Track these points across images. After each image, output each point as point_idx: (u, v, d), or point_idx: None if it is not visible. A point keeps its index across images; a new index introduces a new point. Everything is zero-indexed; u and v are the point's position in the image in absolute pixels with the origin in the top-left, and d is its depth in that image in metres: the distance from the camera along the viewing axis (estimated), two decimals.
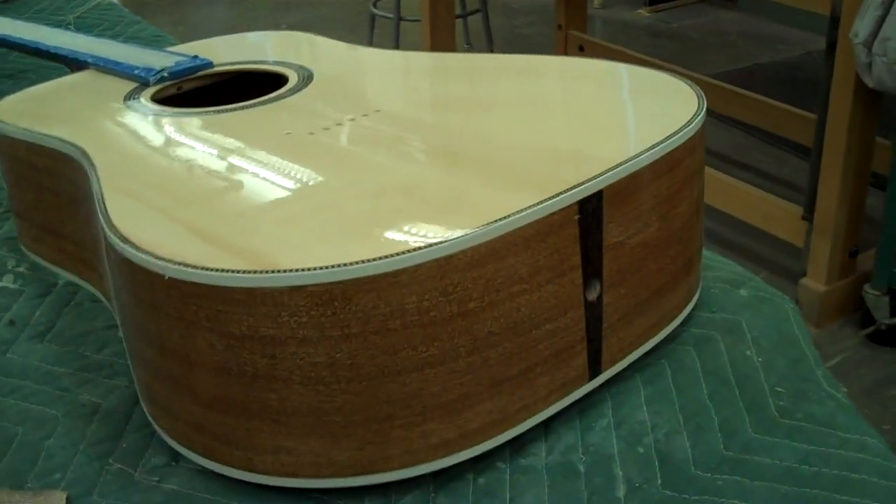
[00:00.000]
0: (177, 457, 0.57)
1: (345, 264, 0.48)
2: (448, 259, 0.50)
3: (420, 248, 0.49)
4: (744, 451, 0.57)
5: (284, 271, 0.48)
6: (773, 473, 0.55)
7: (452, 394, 0.53)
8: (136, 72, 0.80)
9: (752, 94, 2.54)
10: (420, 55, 0.80)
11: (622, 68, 0.72)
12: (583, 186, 0.54)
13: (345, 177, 0.58)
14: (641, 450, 0.57)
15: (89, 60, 0.85)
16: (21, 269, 0.76)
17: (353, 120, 0.67)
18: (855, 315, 2.08)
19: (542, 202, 0.53)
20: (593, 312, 0.57)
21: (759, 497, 0.53)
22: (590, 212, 0.55)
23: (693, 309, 0.67)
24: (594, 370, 0.59)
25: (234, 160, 0.62)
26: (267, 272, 0.49)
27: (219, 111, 0.71)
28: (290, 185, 0.57)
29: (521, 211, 0.52)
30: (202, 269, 0.49)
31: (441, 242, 0.50)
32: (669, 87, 0.68)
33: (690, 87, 0.67)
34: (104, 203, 0.58)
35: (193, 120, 0.70)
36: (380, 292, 0.49)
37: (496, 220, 0.51)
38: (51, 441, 0.59)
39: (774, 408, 0.59)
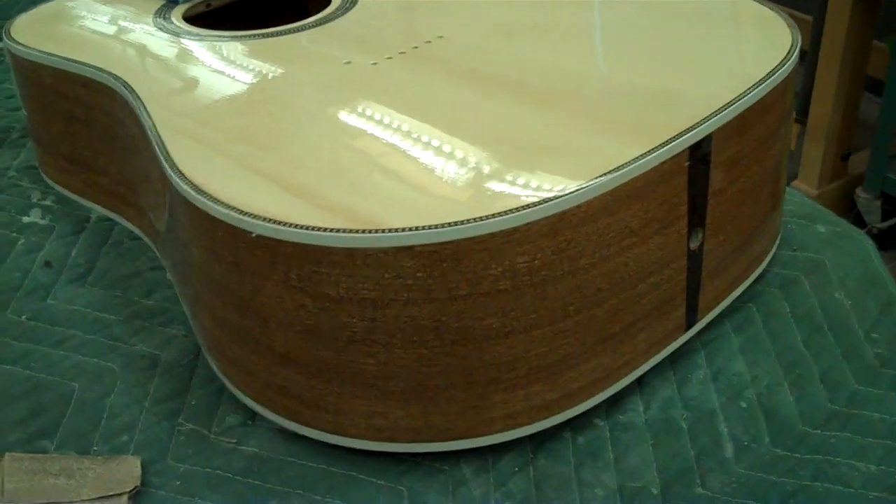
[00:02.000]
0: (253, 416, 0.53)
1: (456, 223, 0.44)
2: (562, 215, 0.46)
3: (534, 204, 0.45)
4: (850, 404, 0.54)
5: (390, 231, 0.44)
6: (884, 429, 0.52)
7: (558, 354, 0.49)
8: None
9: None
10: None
11: None
12: (694, 132, 0.50)
13: (433, 119, 0.53)
14: (744, 404, 0.54)
15: None
16: (48, 203, 0.71)
17: (416, 48, 0.62)
18: (846, 218, 2.08)
19: (653, 150, 0.49)
20: (694, 262, 0.54)
21: (874, 455, 0.51)
22: (699, 158, 0.51)
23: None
24: (690, 321, 0.56)
25: (303, 97, 0.57)
26: (371, 232, 0.44)
27: (264, 35, 0.66)
28: (376, 128, 0.53)
29: (634, 161, 0.48)
30: (297, 227, 0.45)
31: (555, 198, 0.46)
32: (757, 15, 0.63)
33: (780, 15, 0.62)
34: (165, 147, 0.53)
35: (240, 46, 0.64)
36: (491, 252, 0.45)
37: (609, 172, 0.47)
38: (112, 398, 0.55)
39: (874, 356, 0.57)
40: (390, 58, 0.61)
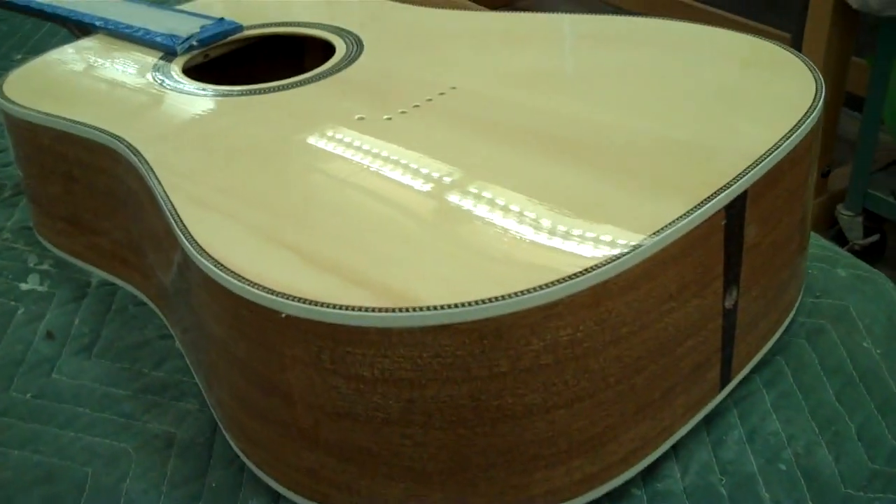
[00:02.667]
0: (278, 498, 0.51)
1: (498, 298, 0.42)
2: (604, 285, 0.44)
3: (576, 274, 0.43)
4: (890, 462, 0.53)
5: (429, 308, 0.42)
6: None
7: (599, 426, 0.47)
8: (159, 39, 0.72)
9: (720, 12, 2.48)
10: (479, 15, 0.73)
11: (720, 35, 0.66)
12: (731, 188, 0.49)
13: (460, 181, 0.51)
14: (783, 466, 0.52)
15: (97, 24, 0.76)
16: (46, 267, 0.68)
17: (430, 101, 0.60)
18: (827, 235, 2.08)
19: (692, 210, 0.47)
20: (729, 320, 0.52)
21: None
22: (734, 215, 0.50)
23: None
24: (724, 380, 0.54)
25: (320, 158, 0.55)
26: (408, 310, 0.42)
27: (271, 89, 0.64)
28: (401, 192, 0.51)
29: (674, 223, 0.46)
30: (331, 306, 0.43)
31: (598, 266, 0.44)
32: (776, 58, 0.62)
33: (799, 58, 0.61)
34: (179, 216, 0.50)
35: (247, 102, 0.62)
36: (534, 326, 0.43)
37: (650, 236, 0.45)
38: (128, 483, 0.52)
39: None
40: (404, 112, 0.59)
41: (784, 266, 0.57)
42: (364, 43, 0.70)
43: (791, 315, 0.60)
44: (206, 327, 0.51)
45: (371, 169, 0.53)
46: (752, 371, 0.58)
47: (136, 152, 0.57)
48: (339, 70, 0.66)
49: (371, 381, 0.44)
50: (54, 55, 0.72)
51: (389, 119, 0.58)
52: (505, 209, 0.48)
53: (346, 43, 0.70)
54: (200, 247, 0.48)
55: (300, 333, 0.44)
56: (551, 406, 0.46)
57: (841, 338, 0.61)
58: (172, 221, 0.50)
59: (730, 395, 0.56)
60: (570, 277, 0.43)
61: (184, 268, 0.52)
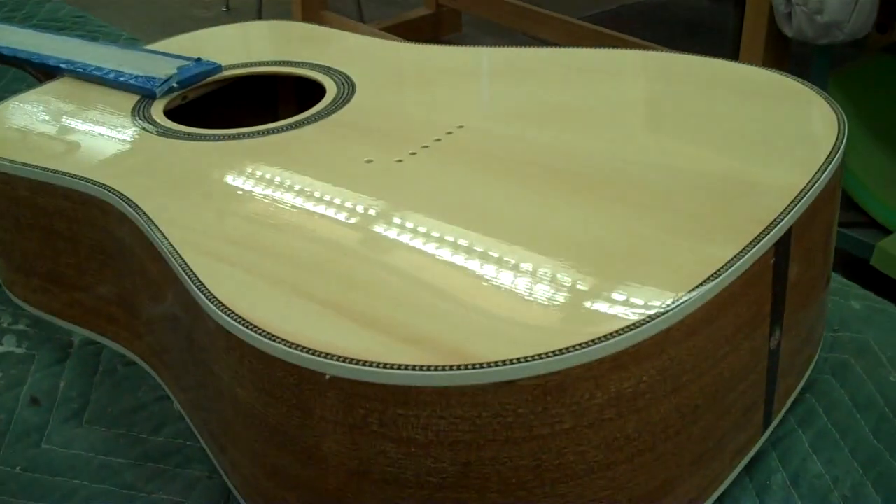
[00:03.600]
0: None
1: (562, 351, 0.40)
2: (667, 332, 0.42)
3: (640, 322, 0.41)
4: None
5: (492, 364, 0.39)
6: None
7: (657, 480, 0.45)
8: (134, 81, 0.67)
9: (648, 43, 2.51)
10: (470, 50, 0.71)
11: (732, 68, 0.64)
12: (779, 225, 0.47)
13: (492, 226, 0.48)
14: None
15: (63, 67, 0.71)
16: (22, 327, 0.64)
17: (438, 141, 0.57)
18: None
19: (746, 249, 0.45)
20: (773, 361, 0.50)
21: None
22: (782, 253, 0.48)
23: None
24: (766, 422, 0.52)
25: (334, 206, 0.51)
26: (469, 367, 0.39)
27: (266, 132, 0.60)
28: (432, 241, 0.48)
29: (731, 263, 0.44)
30: (381, 365, 0.40)
31: (662, 313, 0.41)
32: (792, 92, 0.60)
33: (813, 90, 0.60)
34: (193, 272, 0.47)
35: (244, 146, 0.59)
36: (598, 379, 0.41)
37: (709, 279, 0.43)
38: None
39: None
40: (414, 153, 0.56)
41: (815, 302, 0.55)
42: (355, 82, 0.67)
43: (819, 351, 0.59)
44: (223, 389, 0.47)
45: (391, 217, 0.50)
46: (787, 411, 0.56)
47: (132, 203, 0.53)
48: (333, 111, 0.63)
49: (424, 444, 0.41)
50: (18, 101, 0.67)
51: (400, 161, 0.55)
52: (548, 256, 0.46)
53: (335, 82, 0.67)
54: (223, 304, 0.44)
55: (344, 396, 0.41)
56: (612, 462, 0.43)
57: (867, 372, 0.59)
58: (186, 278, 0.47)
59: (768, 437, 0.54)
60: (634, 326, 0.41)
61: (195, 326, 0.48)
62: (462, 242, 0.47)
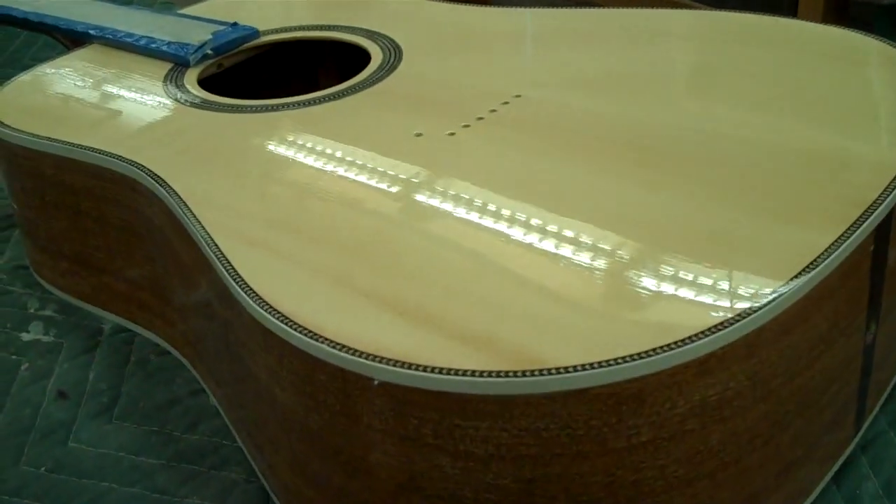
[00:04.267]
0: None
1: (643, 355, 0.35)
2: (758, 332, 0.37)
3: (729, 322, 0.36)
4: None
5: (561, 371, 0.35)
6: None
7: (743, 494, 0.40)
8: (166, 48, 0.63)
9: (703, 6, 2.42)
10: (516, 12, 0.65)
11: (813, 29, 0.59)
12: (880, 207, 0.42)
13: (557, 206, 0.44)
14: None
15: (92, 33, 0.67)
16: (49, 313, 0.60)
17: (494, 112, 0.53)
18: None
19: (845, 235, 0.40)
20: (868, 357, 0.45)
21: None
22: (881, 238, 0.43)
23: None
24: (858, 425, 0.47)
25: (382, 184, 0.47)
26: (535, 373, 0.35)
27: (308, 102, 0.56)
28: (490, 223, 0.43)
29: (827, 252, 0.39)
30: (436, 370, 0.35)
31: (753, 311, 0.36)
32: (871, 50, 0.55)
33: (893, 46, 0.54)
34: (228, 261, 0.42)
35: (283, 118, 0.54)
36: (680, 386, 0.36)
37: (804, 271, 0.38)
38: None
39: None
40: (467, 125, 0.51)
41: None
42: (402, 47, 0.62)
43: None
44: (261, 389, 0.43)
45: (445, 196, 0.45)
46: (878, 411, 0.51)
47: (162, 182, 0.49)
48: (379, 79, 0.58)
49: (484, 459, 0.36)
50: (47, 69, 0.63)
51: (453, 134, 0.51)
52: (624, 244, 0.41)
53: (381, 48, 0.62)
54: (260, 297, 0.40)
55: (395, 403, 0.36)
56: (694, 477, 0.38)
57: None
58: (220, 266, 0.42)
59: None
60: (723, 325, 0.36)
61: (230, 318, 0.44)
62: (525, 227, 0.42)
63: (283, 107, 0.55)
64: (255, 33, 0.66)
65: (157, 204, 0.50)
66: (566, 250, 0.40)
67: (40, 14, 0.71)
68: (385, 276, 0.40)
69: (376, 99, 0.56)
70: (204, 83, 0.62)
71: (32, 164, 0.56)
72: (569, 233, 0.41)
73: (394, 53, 0.61)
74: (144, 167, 0.50)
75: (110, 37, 0.66)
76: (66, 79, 0.62)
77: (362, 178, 0.47)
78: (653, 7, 0.63)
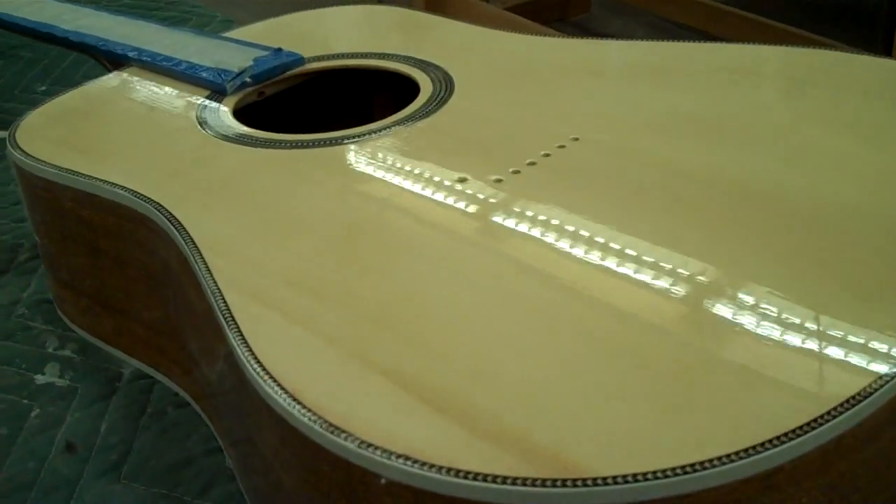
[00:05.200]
0: None
1: (695, 467, 0.29)
2: (838, 440, 0.31)
3: (801, 429, 0.30)
4: None
5: (601, 482, 0.29)
6: None
7: None
8: (205, 74, 0.59)
9: (793, 29, 2.33)
10: (584, 43, 0.60)
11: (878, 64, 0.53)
12: None
13: (609, 275, 0.38)
14: None
15: (131, 55, 0.64)
16: (68, 353, 0.56)
17: (548, 156, 0.47)
18: None
19: None
20: None
21: None
22: None
23: None
24: None
25: (418, 238, 0.42)
26: (567, 483, 0.29)
27: (344, 139, 0.51)
28: (524, 292, 0.38)
29: None
30: (451, 472, 0.30)
31: (829, 416, 0.31)
32: None
33: None
34: (234, 320, 0.38)
35: (317, 156, 0.50)
36: None
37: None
38: None
39: None
40: (517, 171, 0.46)
41: None
42: (454, 79, 0.57)
43: None
44: (267, 466, 0.38)
45: (486, 255, 0.40)
46: None
47: (179, 225, 0.45)
48: (426, 114, 0.53)
49: None
50: (77, 95, 0.59)
51: (499, 181, 0.45)
52: (686, 324, 0.35)
53: (431, 79, 0.57)
54: (266, 369, 0.35)
55: None
56: None
57: None
58: (226, 328, 0.38)
59: None
60: (793, 434, 0.30)
61: (237, 385, 0.39)
62: (570, 298, 0.37)
63: (316, 143, 0.51)
64: (300, 60, 0.61)
65: (173, 248, 0.45)
66: (615, 333, 0.35)
67: (80, 34, 0.68)
68: (409, 351, 0.35)
69: (419, 137, 0.51)
70: (245, 111, 0.58)
71: (52, 196, 0.52)
72: (619, 311, 0.36)
73: (445, 86, 0.56)
74: (160, 205, 0.46)
75: (148, 59, 0.62)
76: (95, 106, 0.58)
77: (394, 232, 0.42)
78: (741, 35, 0.57)
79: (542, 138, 0.49)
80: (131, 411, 0.52)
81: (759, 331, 0.34)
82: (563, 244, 0.40)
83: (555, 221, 0.42)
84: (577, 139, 0.49)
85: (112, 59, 0.66)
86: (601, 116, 0.51)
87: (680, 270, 0.38)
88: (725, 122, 0.49)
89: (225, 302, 0.39)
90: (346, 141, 0.51)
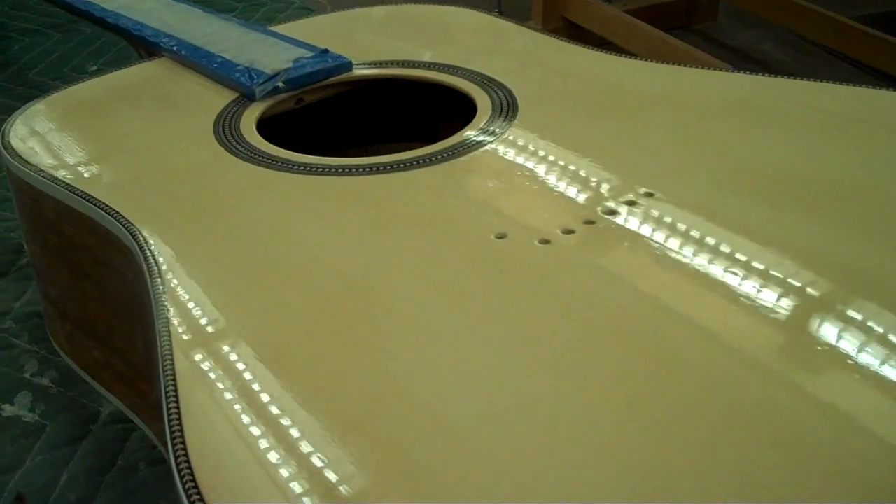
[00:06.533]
0: None
1: None
2: None
3: None
4: None
5: None
6: None
7: None
8: (236, 75, 0.51)
9: None
10: (677, 71, 0.50)
11: None
12: None
13: (679, 387, 0.29)
14: None
15: (164, 45, 0.56)
16: (45, 382, 0.49)
17: (612, 215, 0.38)
18: None
19: None
20: None
21: None
22: None
23: None
24: None
25: (426, 312, 0.33)
26: None
27: (373, 167, 0.43)
28: (563, 405, 0.28)
29: None
30: None
31: None
32: None
33: None
34: (174, 382, 0.30)
35: (336, 186, 0.41)
36: None
37: None
38: None
39: None
40: (570, 232, 0.37)
41: None
42: (518, 103, 0.48)
43: None
44: None
45: (516, 346, 0.31)
46: None
47: (152, 257, 0.37)
48: (476, 145, 0.44)
49: None
50: (88, 88, 0.52)
51: (546, 243, 0.36)
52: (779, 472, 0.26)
53: (492, 102, 0.48)
54: (189, 462, 0.27)
55: None
56: None
57: None
58: (163, 389, 0.30)
59: None
60: None
61: None
62: (626, 416, 0.28)
63: (338, 170, 0.42)
64: (346, 65, 0.53)
65: (144, 280, 0.38)
66: (671, 470, 0.26)
67: (117, 15, 0.61)
68: (412, 482, 0.26)
69: (462, 173, 0.42)
70: (282, 120, 0.50)
71: (36, 204, 0.45)
72: (685, 438, 0.27)
73: (505, 110, 0.47)
74: (140, 234, 0.38)
75: (181, 51, 0.55)
76: (105, 104, 0.51)
77: (413, 302, 0.34)
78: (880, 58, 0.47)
79: (609, 190, 0.40)
80: (99, 462, 0.44)
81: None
82: (617, 339, 0.31)
83: (610, 309, 0.32)
84: (651, 195, 0.39)
85: (146, 46, 0.58)
86: (685, 166, 0.41)
87: (763, 385, 0.28)
88: (840, 186, 0.39)
89: (171, 357, 0.31)
90: (374, 170, 0.42)
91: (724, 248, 0.35)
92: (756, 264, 0.34)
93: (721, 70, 0.50)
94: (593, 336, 0.31)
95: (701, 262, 0.34)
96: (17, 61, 0.78)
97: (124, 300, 0.42)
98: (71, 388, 0.48)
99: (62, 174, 0.44)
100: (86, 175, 0.43)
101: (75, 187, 0.42)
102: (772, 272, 0.33)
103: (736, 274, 0.33)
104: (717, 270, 0.34)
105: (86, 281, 0.45)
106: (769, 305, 0.32)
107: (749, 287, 0.33)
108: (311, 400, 0.29)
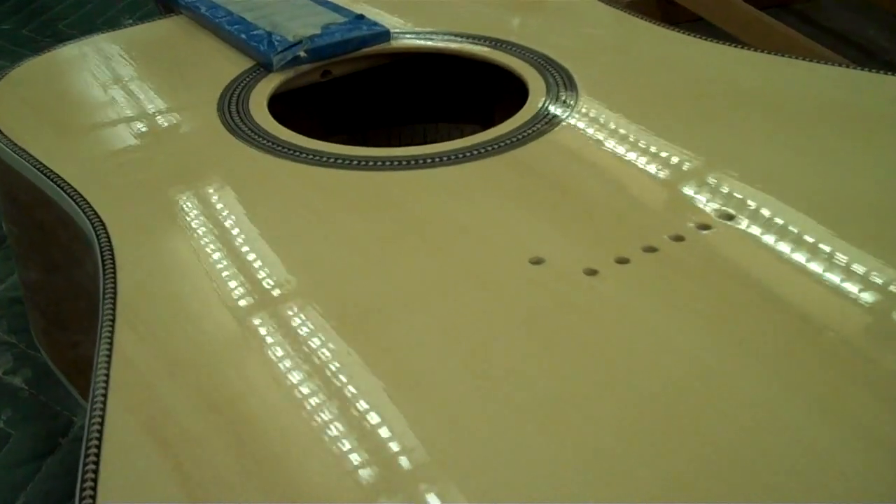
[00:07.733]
0: None
1: None
2: None
3: None
4: None
5: None
6: None
7: None
8: (254, 42, 0.44)
9: None
10: (792, 64, 0.42)
11: None
12: None
13: (756, 450, 0.21)
14: None
15: (181, 2, 0.50)
16: (17, 381, 0.43)
17: (680, 241, 0.30)
18: None
19: None
20: None
21: None
22: None
23: None
24: None
25: (446, 356, 0.26)
26: None
27: (396, 162, 0.35)
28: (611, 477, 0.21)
29: None
30: None
31: None
32: None
33: None
34: (99, 446, 0.23)
35: (360, 181, 0.34)
36: None
37: None
38: None
39: None
40: (625, 261, 0.29)
41: None
42: (578, 90, 0.40)
43: None
44: None
45: (553, 403, 0.24)
46: None
47: (110, 261, 0.30)
48: (525, 139, 0.37)
49: None
50: (88, 46, 0.46)
51: (594, 275, 0.29)
52: None
53: (547, 87, 0.40)
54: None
55: None
56: None
57: None
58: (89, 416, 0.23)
59: None
60: None
61: None
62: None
63: (365, 163, 0.35)
64: (383, 35, 0.46)
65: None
66: None
67: None
68: None
69: (501, 174, 0.35)
70: (310, 92, 0.43)
71: (9, 181, 0.39)
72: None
73: (562, 97, 0.40)
74: (104, 230, 0.32)
75: (195, 8, 0.48)
76: (102, 67, 0.44)
77: (420, 347, 0.27)
78: None
79: (681, 210, 0.32)
80: (62, 486, 0.38)
81: None
82: (680, 399, 0.23)
83: (670, 356, 0.25)
84: (731, 219, 0.31)
85: (163, 1, 0.52)
86: (780, 183, 0.34)
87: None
88: None
89: (106, 381, 0.25)
90: (394, 165, 0.35)
91: (835, 311, 0.27)
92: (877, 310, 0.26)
93: (823, 59, 0.42)
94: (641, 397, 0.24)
95: (810, 328, 0.27)
96: (46, 11, 0.73)
97: (94, 298, 0.36)
98: (45, 391, 0.42)
99: (37, 150, 0.37)
100: (66, 153, 0.37)
101: (45, 164, 0.36)
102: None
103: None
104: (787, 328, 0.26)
105: (57, 275, 0.38)
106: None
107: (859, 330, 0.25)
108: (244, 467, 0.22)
